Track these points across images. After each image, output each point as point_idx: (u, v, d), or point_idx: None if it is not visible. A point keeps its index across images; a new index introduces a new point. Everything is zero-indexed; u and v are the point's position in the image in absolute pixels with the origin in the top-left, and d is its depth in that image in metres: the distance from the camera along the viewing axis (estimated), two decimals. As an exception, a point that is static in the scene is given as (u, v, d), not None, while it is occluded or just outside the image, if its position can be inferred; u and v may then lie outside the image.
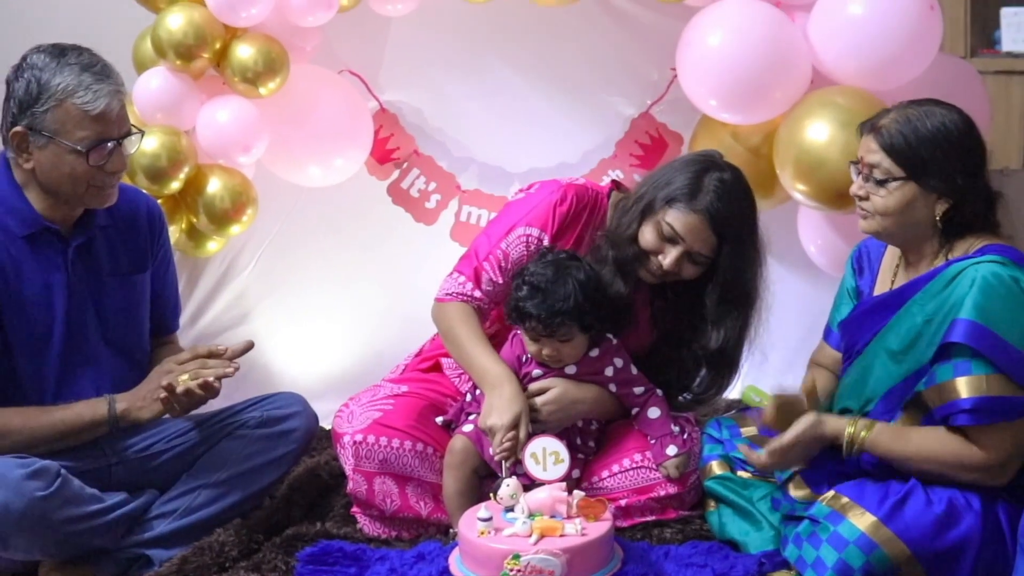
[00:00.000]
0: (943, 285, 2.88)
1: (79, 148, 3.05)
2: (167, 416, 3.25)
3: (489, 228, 3.53)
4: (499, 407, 3.20)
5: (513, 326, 3.38)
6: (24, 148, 3.09)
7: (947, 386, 2.82)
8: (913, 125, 2.91)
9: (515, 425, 3.16)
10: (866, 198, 2.98)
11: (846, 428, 2.97)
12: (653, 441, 3.35)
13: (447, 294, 3.44)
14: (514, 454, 3.12)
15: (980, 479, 2.84)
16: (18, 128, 3.07)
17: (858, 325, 3.11)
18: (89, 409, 3.16)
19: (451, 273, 3.47)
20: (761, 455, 3.06)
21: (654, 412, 3.37)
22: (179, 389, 3.12)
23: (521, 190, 3.58)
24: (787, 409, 3.05)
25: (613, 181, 3.63)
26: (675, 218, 3.24)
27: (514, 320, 3.30)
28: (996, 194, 2.99)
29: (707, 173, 3.28)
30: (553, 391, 3.30)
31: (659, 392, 3.41)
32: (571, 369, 3.34)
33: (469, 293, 3.41)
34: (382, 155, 4.59)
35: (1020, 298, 2.79)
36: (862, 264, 3.26)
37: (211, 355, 3.22)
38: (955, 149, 2.90)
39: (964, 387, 2.79)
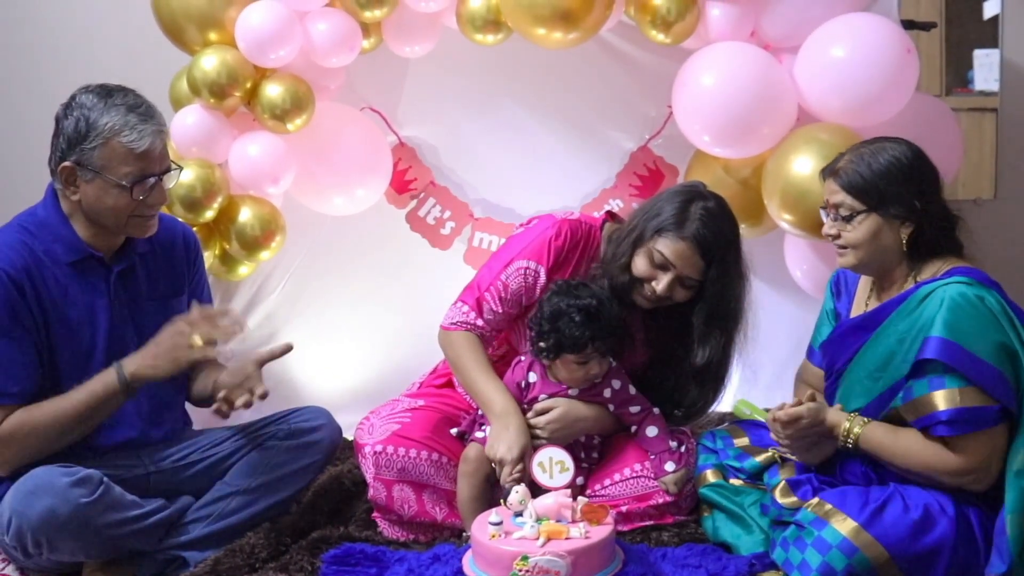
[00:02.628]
0: (914, 306, 2.91)
1: (123, 183, 3.07)
2: (196, 435, 3.30)
3: (491, 261, 3.52)
4: (508, 441, 3.21)
5: (536, 355, 3.37)
6: (72, 182, 3.10)
7: (924, 400, 2.84)
8: (867, 162, 2.97)
9: (522, 458, 3.17)
10: (837, 236, 3.03)
11: (843, 421, 3.00)
12: (653, 457, 3.36)
13: (452, 323, 3.45)
14: (522, 483, 3.10)
15: (958, 483, 2.87)
16: (67, 163, 3.08)
17: (838, 345, 3.13)
18: (100, 382, 3.10)
19: (455, 303, 3.48)
20: (778, 415, 3.05)
21: (652, 430, 3.38)
22: (195, 354, 3.11)
23: (521, 224, 3.59)
24: None
25: (608, 212, 3.63)
26: (665, 246, 3.26)
27: (568, 351, 3.26)
28: (955, 217, 3.03)
29: (693, 203, 3.28)
30: (557, 411, 3.32)
31: (656, 411, 3.42)
32: (573, 391, 3.36)
33: (472, 322, 3.42)
34: (401, 186, 4.60)
35: (986, 315, 2.81)
36: (840, 288, 3.28)
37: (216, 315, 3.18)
38: (908, 176, 2.95)
39: (940, 400, 2.81)
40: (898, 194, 2.94)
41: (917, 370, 2.85)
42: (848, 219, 2.99)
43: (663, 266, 3.27)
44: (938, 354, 2.79)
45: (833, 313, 3.27)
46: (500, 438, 3.23)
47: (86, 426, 3.11)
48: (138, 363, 3.12)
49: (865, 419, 2.99)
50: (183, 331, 3.12)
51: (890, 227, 2.97)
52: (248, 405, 3.16)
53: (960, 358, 2.78)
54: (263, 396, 3.18)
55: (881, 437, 2.96)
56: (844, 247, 3.03)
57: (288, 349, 3.30)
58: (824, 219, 3.08)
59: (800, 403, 3.05)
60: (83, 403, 3.08)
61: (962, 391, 2.79)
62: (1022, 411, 2.83)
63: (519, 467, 3.16)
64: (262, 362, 3.27)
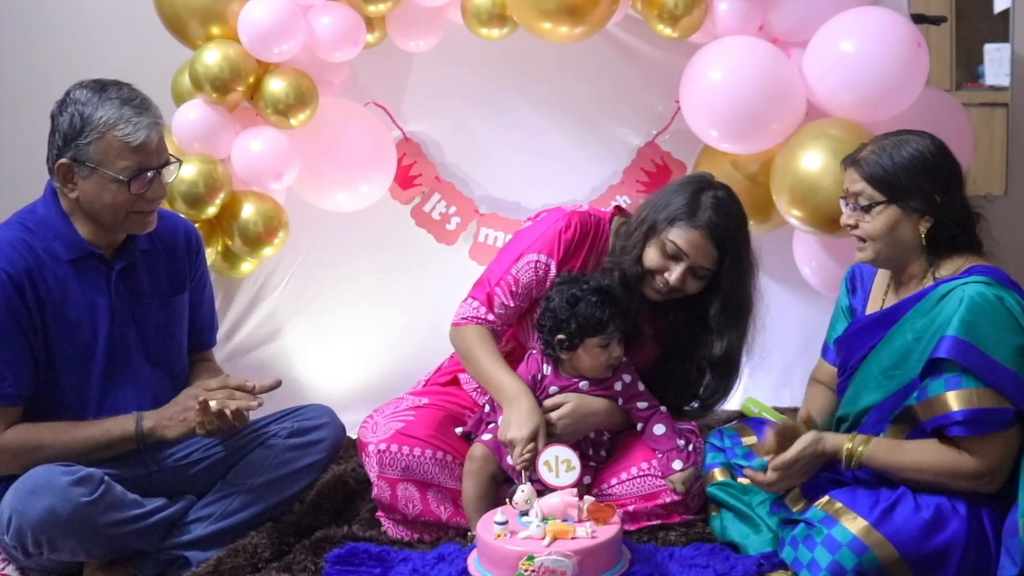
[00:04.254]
0: (932, 304, 2.90)
1: (121, 177, 3.06)
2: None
3: (500, 256, 3.54)
4: (518, 421, 3.21)
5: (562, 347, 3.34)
6: (69, 179, 3.09)
7: (939, 400, 2.83)
8: (889, 153, 2.97)
9: (534, 438, 3.17)
10: (855, 226, 3.02)
11: (845, 444, 2.98)
12: (660, 455, 3.35)
13: (463, 318, 3.45)
14: (533, 464, 3.13)
15: (973, 486, 2.85)
16: (63, 160, 3.07)
17: (852, 342, 3.13)
18: (118, 426, 3.15)
19: (465, 299, 3.49)
20: (766, 475, 3.03)
21: (659, 428, 3.37)
22: (213, 408, 3.11)
23: (529, 218, 3.59)
24: (787, 436, 3.04)
25: (616, 207, 3.63)
26: (678, 235, 3.26)
27: (591, 333, 3.26)
28: (976, 214, 3.02)
29: (703, 192, 3.30)
30: (567, 406, 3.31)
31: (663, 409, 3.41)
32: (584, 385, 3.35)
33: (483, 317, 3.43)
34: (405, 181, 4.58)
35: (1005, 316, 2.80)
36: (855, 284, 3.27)
37: (240, 388, 3.19)
38: (929, 170, 2.95)
39: (955, 400, 2.80)
40: (918, 187, 2.94)
41: (932, 369, 2.84)
42: (867, 209, 2.99)
43: (676, 256, 3.28)
44: (952, 354, 2.78)
45: (848, 309, 3.26)
46: (511, 419, 3.23)
47: (88, 460, 3.10)
48: (155, 420, 3.18)
49: (865, 437, 2.98)
50: (198, 396, 3.15)
51: (908, 220, 2.97)
52: (239, 416, 3.17)
53: (975, 359, 2.77)
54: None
55: (886, 453, 2.94)
56: (863, 239, 3.03)
57: (277, 384, 3.28)
58: (843, 208, 3.08)
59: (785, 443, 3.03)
60: (96, 439, 3.13)
61: (978, 392, 2.78)
62: None
63: (530, 446, 3.16)
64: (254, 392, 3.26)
